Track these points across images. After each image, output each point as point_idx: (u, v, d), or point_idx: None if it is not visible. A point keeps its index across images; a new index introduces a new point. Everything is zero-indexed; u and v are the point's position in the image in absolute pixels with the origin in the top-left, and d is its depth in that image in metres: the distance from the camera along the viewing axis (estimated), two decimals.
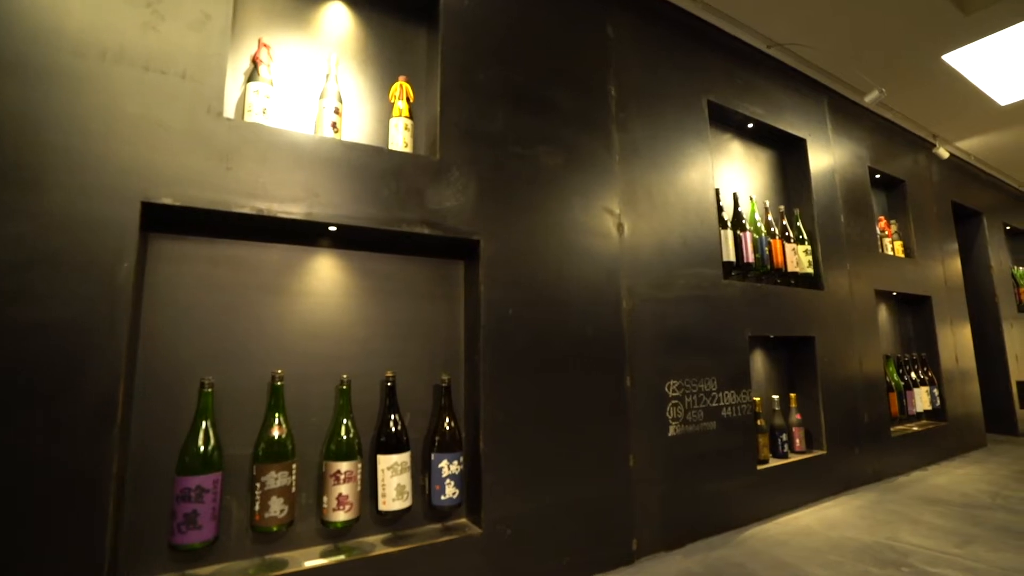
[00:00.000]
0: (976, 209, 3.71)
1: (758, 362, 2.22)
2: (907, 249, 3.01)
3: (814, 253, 2.36)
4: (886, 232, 2.91)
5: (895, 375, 2.72)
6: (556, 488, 1.41)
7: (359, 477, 1.18)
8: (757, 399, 2.05)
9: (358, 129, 1.44)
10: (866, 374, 2.44)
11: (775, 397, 2.13)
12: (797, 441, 2.13)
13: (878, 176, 2.98)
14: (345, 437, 1.19)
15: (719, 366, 1.84)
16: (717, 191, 2.09)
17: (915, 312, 3.08)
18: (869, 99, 2.46)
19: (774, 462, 2.01)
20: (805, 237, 2.33)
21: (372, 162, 1.29)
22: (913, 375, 2.82)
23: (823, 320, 2.28)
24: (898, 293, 2.88)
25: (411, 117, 1.43)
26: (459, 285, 1.50)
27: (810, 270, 2.29)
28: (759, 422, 2.00)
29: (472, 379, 1.40)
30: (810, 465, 2.09)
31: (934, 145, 3.28)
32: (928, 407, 2.81)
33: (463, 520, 1.36)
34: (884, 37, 2.28)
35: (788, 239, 2.26)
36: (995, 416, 3.54)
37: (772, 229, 2.23)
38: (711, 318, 1.85)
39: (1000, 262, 3.82)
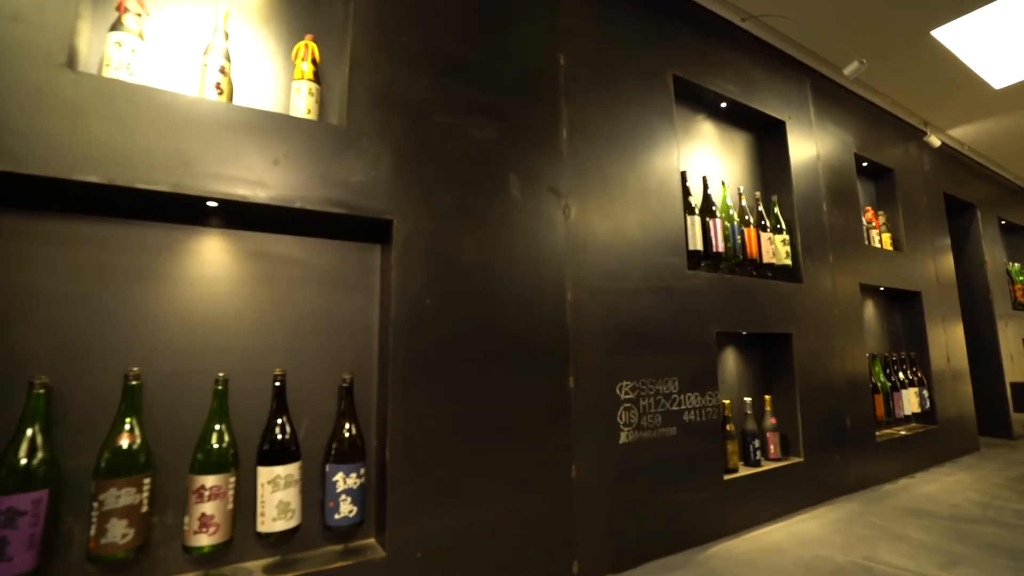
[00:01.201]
0: (970, 202, 3.54)
1: (729, 361, 2.05)
2: (896, 242, 2.84)
3: (793, 244, 2.19)
4: (873, 224, 2.73)
5: (881, 375, 2.55)
6: (481, 504, 1.23)
7: (231, 493, 1.00)
8: (727, 402, 1.87)
9: (261, 96, 1.26)
10: (849, 374, 2.26)
11: (747, 400, 1.95)
12: (771, 447, 1.95)
13: (865, 164, 2.80)
14: (216, 446, 1.01)
15: (681, 365, 1.67)
16: (684, 174, 1.91)
17: (904, 309, 2.90)
18: (849, 71, 2.28)
19: (745, 471, 1.83)
20: (783, 226, 2.15)
21: (262, 129, 1.11)
22: (901, 375, 2.65)
23: (801, 316, 2.10)
24: (886, 288, 2.71)
25: (318, 81, 1.26)
26: (375, 272, 1.32)
27: (788, 262, 2.12)
28: (728, 427, 1.83)
29: (384, 380, 1.22)
30: (785, 474, 1.91)
31: (925, 133, 3.11)
32: (917, 409, 2.64)
33: (370, 541, 1.18)
34: (868, 8, 2.10)
35: (764, 228, 2.09)
36: (989, 419, 3.37)
37: (747, 217, 2.06)
38: (673, 312, 1.68)
39: (995, 258, 3.65)
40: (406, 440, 1.16)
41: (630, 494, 1.48)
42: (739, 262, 2.01)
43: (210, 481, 0.98)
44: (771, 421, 1.97)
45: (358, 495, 1.11)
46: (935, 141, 3.08)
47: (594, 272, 1.52)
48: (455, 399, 1.24)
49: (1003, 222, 4.00)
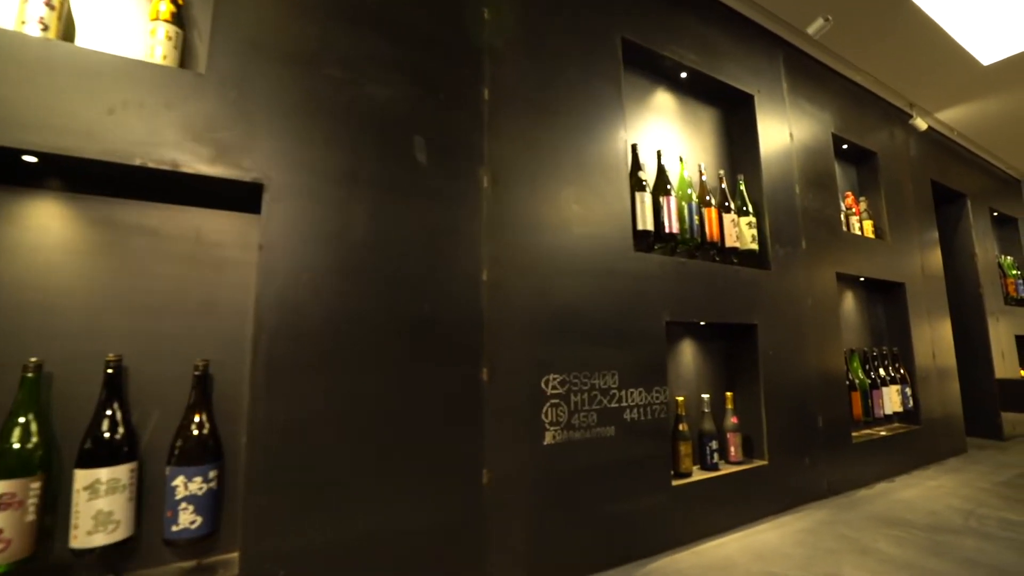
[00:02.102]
0: (959, 191, 3.36)
1: (685, 355, 1.87)
2: (878, 230, 2.67)
3: (760, 227, 2.01)
4: (853, 210, 2.56)
5: (860, 372, 2.37)
6: (364, 515, 1.06)
7: (32, 502, 0.83)
8: (680, 399, 1.69)
9: (115, 40, 1.09)
10: (823, 370, 2.09)
11: (705, 397, 1.77)
12: (732, 449, 1.77)
13: (845, 147, 2.63)
14: (17, 446, 0.84)
15: (623, 358, 1.49)
16: (635, 148, 1.74)
17: (887, 301, 2.73)
18: (813, 29, 2.11)
19: (699, 475, 1.66)
20: (750, 208, 1.98)
21: (93, 72, 0.94)
22: (882, 372, 2.47)
23: (769, 306, 1.92)
24: (866, 279, 2.53)
25: (179, 24, 1.08)
26: (252, 246, 1.15)
27: (754, 246, 1.94)
28: (681, 427, 1.65)
29: (252, 368, 1.04)
30: (747, 478, 1.74)
31: (910, 116, 2.93)
32: (899, 408, 2.46)
33: (224, 556, 1.01)
34: None
35: (727, 209, 1.91)
36: (978, 418, 3.19)
37: (708, 197, 1.88)
38: (614, 298, 1.50)
39: (986, 250, 3.47)
40: (270, 438, 0.98)
41: (557, 503, 1.31)
42: (698, 245, 1.84)
43: (3, 487, 0.81)
44: (732, 421, 1.79)
45: (205, 502, 0.93)
46: (921, 124, 2.90)
47: (518, 250, 1.35)
48: (337, 392, 1.06)
49: (995, 213, 3.82)
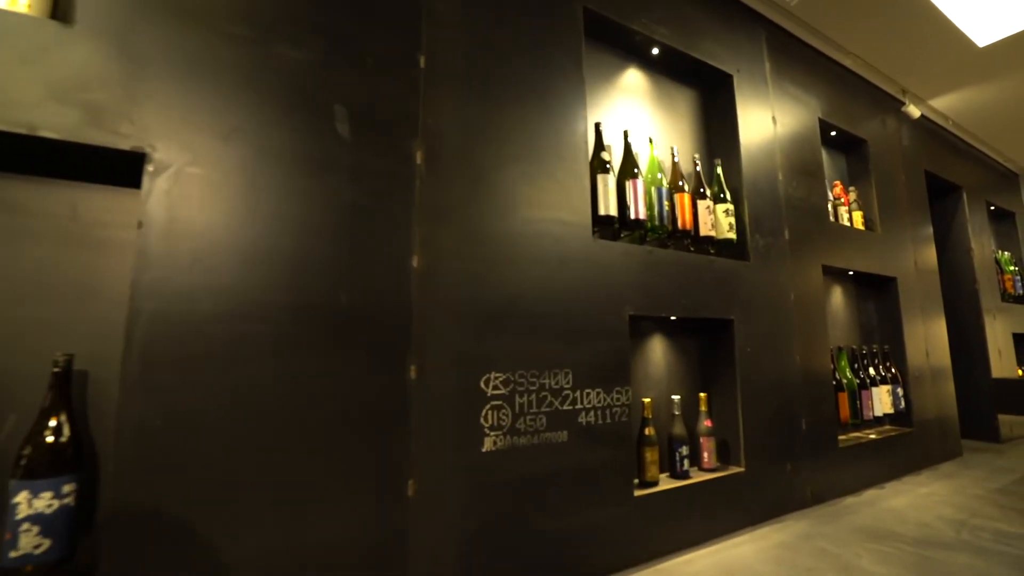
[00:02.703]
0: (955, 183, 3.23)
1: (655, 352, 1.73)
2: (868, 221, 2.53)
3: (739, 215, 1.87)
4: (842, 200, 2.42)
5: (848, 371, 2.24)
6: (260, 533, 0.92)
7: None
8: (647, 400, 1.55)
9: None
10: (807, 369, 1.95)
11: (675, 398, 1.63)
12: (705, 455, 1.64)
13: (834, 134, 2.49)
14: None
15: (578, 355, 1.35)
16: (598, 127, 1.60)
17: (878, 297, 2.59)
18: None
19: (667, 484, 1.52)
20: (727, 195, 1.84)
21: None
22: (872, 372, 2.33)
23: (747, 299, 1.79)
24: (855, 272, 2.40)
25: None
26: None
27: (732, 235, 1.80)
28: (648, 431, 1.51)
29: (123, 361, 0.90)
30: (721, 487, 1.60)
31: (903, 103, 2.80)
32: (890, 410, 2.32)
33: None
34: None
35: (702, 195, 1.77)
36: (973, 420, 3.06)
37: (681, 183, 1.74)
38: (570, 289, 1.36)
39: (982, 245, 3.34)
40: (142, 443, 0.84)
41: (498, 517, 1.16)
42: (669, 233, 1.70)
43: None
44: (706, 424, 1.65)
45: (55, 522, 0.79)
46: (914, 112, 2.77)
47: (456, 234, 1.21)
48: (230, 389, 0.92)
49: (992, 208, 3.69)
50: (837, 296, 2.44)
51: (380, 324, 1.08)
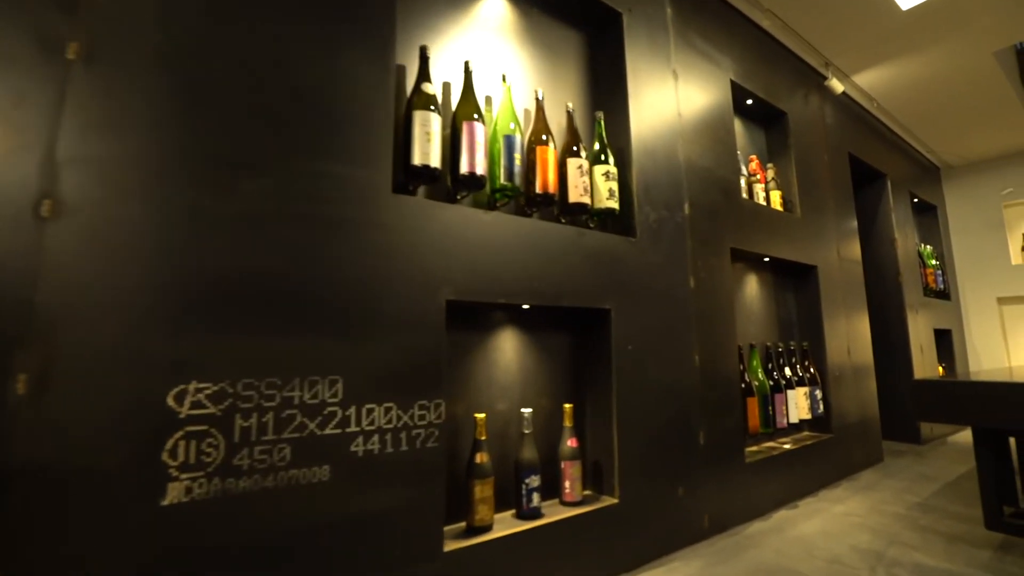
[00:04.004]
0: (879, 170, 3.05)
1: (505, 351, 1.33)
2: (788, 203, 2.26)
3: (623, 180, 1.52)
4: (758, 176, 2.13)
5: (760, 372, 1.94)
6: None
7: None
8: (480, 417, 1.15)
9: None
10: (709, 371, 1.62)
11: (526, 412, 1.25)
12: (567, 485, 1.26)
13: (751, 102, 2.20)
14: None
15: (357, 355, 0.93)
16: (424, 51, 1.19)
17: (798, 288, 2.33)
18: None
19: (509, 527, 1.13)
20: (609, 156, 1.48)
21: None
22: (788, 372, 2.06)
23: (630, 285, 1.43)
24: (772, 259, 2.11)
25: None
26: None
27: (612, 204, 1.44)
28: (479, 458, 1.12)
29: None
30: (586, 525, 1.23)
31: (826, 77, 2.56)
32: (807, 415, 2.05)
33: None
34: None
35: (575, 152, 1.40)
36: (895, 421, 2.88)
37: (546, 137, 1.36)
38: (345, 261, 0.95)
39: (906, 237, 3.19)
40: None
41: None
42: (528, 198, 1.32)
43: None
44: (570, 444, 1.27)
45: None
46: (837, 86, 2.54)
47: (127, 167, 0.77)
48: None
49: (915, 200, 3.58)
50: (751, 286, 2.15)
51: None
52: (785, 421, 1.93)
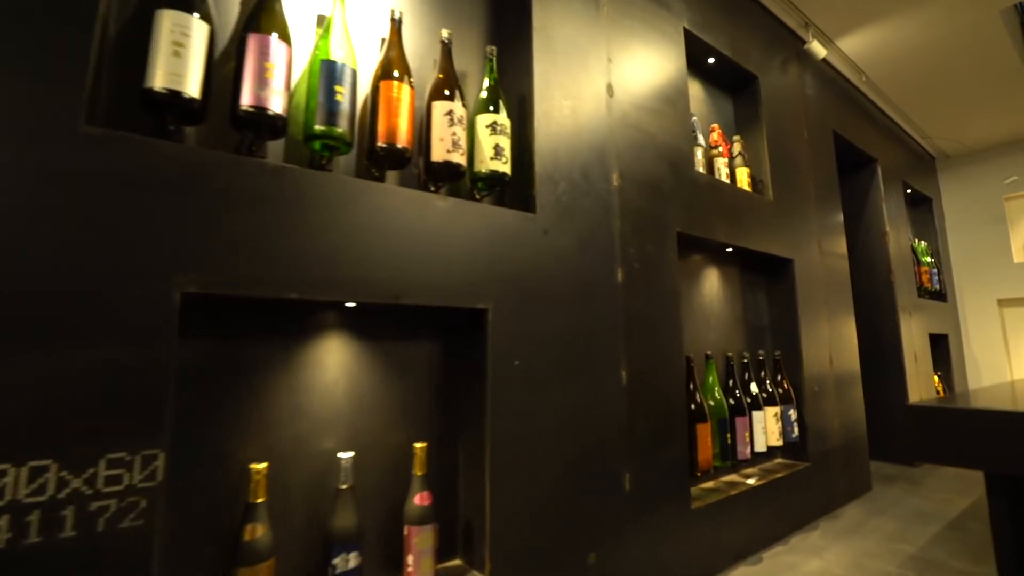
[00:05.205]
0: (869, 155, 2.69)
1: (330, 365, 0.93)
2: (757, 183, 1.89)
3: (521, 138, 1.14)
4: (720, 149, 1.76)
5: (716, 390, 1.56)
6: None
7: None
8: (257, 469, 0.77)
9: None
10: (640, 391, 1.24)
11: (344, 457, 0.85)
12: (410, 561, 0.87)
13: (713, 61, 1.83)
14: None
15: None
16: None
17: (771, 285, 1.96)
18: None
19: None
20: (502, 105, 1.10)
21: None
22: (756, 389, 1.68)
23: (520, 276, 1.05)
24: (735, 248, 1.74)
25: None
26: None
27: (500, 167, 1.05)
28: (251, 531, 0.73)
29: None
30: None
31: (805, 40, 2.20)
32: (777, 441, 1.68)
33: None
34: None
35: (446, 96, 1.02)
36: (886, 438, 2.52)
37: (396, 71, 0.97)
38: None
39: (898, 230, 2.83)
40: None
41: None
42: (372, 152, 0.94)
43: None
44: (417, 502, 0.89)
45: None
46: (819, 49, 2.17)
47: None
48: None
49: (909, 191, 3.22)
50: (710, 282, 1.77)
51: None
52: (748, 451, 1.55)
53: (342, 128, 0.87)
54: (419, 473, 0.91)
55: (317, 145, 0.88)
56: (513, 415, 0.98)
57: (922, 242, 3.22)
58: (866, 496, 2.04)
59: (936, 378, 3.06)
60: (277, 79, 0.81)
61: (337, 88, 0.87)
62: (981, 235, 3.52)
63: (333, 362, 0.92)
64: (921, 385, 2.68)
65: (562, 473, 1.05)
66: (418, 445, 0.92)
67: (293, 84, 0.91)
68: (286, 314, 0.89)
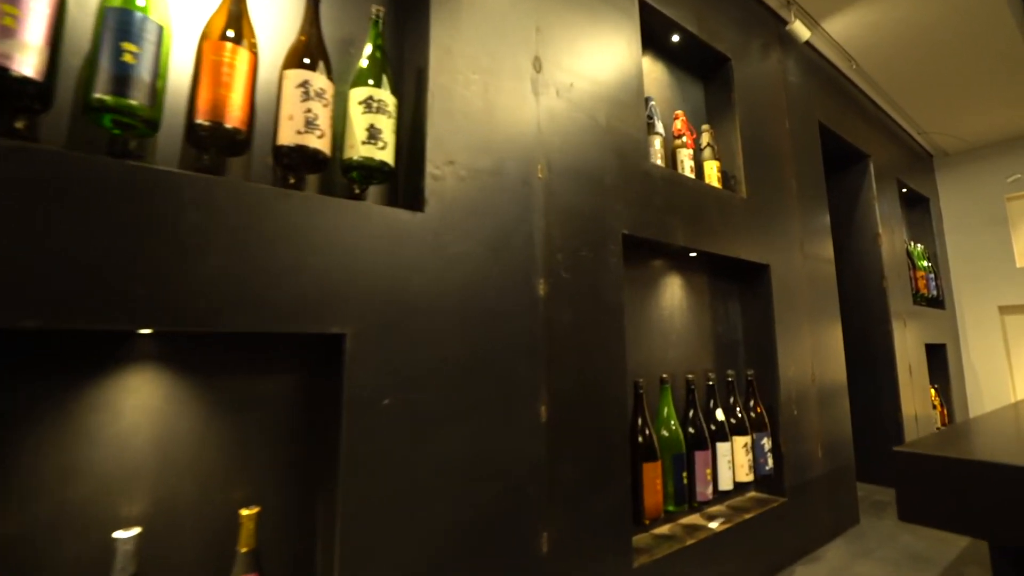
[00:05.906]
0: (860, 150, 2.48)
1: (126, 408, 0.71)
2: (729, 178, 1.68)
3: (414, 121, 0.93)
4: (686, 140, 1.54)
5: (672, 420, 1.34)
6: None
7: None
8: None
9: None
10: (565, 429, 1.03)
11: (124, 536, 0.64)
12: None
13: (678, 39, 1.62)
14: None
15: None
16: None
17: (743, 294, 1.75)
18: None
19: None
20: (386, 79, 0.88)
21: None
22: (721, 415, 1.47)
23: (395, 291, 0.84)
24: (700, 253, 1.52)
25: None
26: None
27: (377, 154, 0.84)
28: None
29: None
30: None
31: (787, 21, 1.98)
32: (747, 477, 1.46)
33: None
34: None
35: (307, 64, 0.80)
36: (876, 458, 2.31)
37: (230, 31, 0.76)
38: None
39: (892, 232, 2.61)
40: None
41: None
42: (192, 131, 0.73)
43: None
44: None
45: None
46: (802, 31, 1.95)
47: None
48: None
49: (904, 190, 3.00)
50: (671, 292, 1.55)
51: None
52: (710, 491, 1.33)
53: (136, 100, 0.66)
54: (243, 550, 0.69)
55: (107, 121, 0.66)
56: (381, 470, 0.77)
57: (918, 245, 3.00)
58: (853, 531, 1.82)
59: (933, 391, 2.84)
60: (25, 28, 0.59)
61: (126, 46, 0.65)
62: (981, 237, 3.30)
63: (133, 404, 0.71)
64: (916, 400, 2.46)
65: (453, 540, 0.83)
66: (245, 512, 0.70)
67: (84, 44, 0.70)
68: (69, 344, 0.67)
